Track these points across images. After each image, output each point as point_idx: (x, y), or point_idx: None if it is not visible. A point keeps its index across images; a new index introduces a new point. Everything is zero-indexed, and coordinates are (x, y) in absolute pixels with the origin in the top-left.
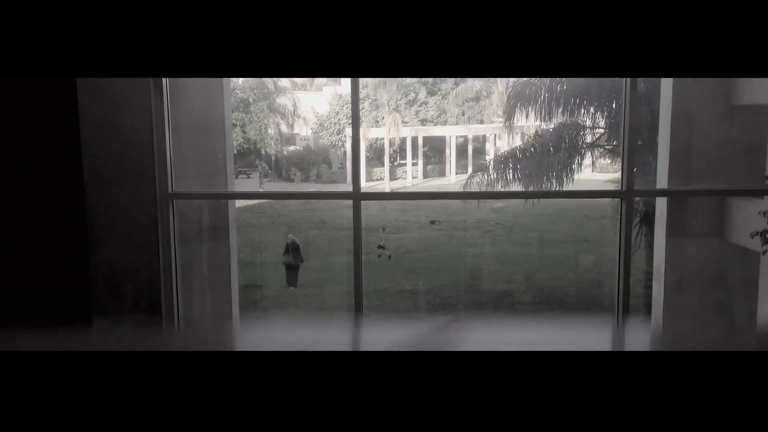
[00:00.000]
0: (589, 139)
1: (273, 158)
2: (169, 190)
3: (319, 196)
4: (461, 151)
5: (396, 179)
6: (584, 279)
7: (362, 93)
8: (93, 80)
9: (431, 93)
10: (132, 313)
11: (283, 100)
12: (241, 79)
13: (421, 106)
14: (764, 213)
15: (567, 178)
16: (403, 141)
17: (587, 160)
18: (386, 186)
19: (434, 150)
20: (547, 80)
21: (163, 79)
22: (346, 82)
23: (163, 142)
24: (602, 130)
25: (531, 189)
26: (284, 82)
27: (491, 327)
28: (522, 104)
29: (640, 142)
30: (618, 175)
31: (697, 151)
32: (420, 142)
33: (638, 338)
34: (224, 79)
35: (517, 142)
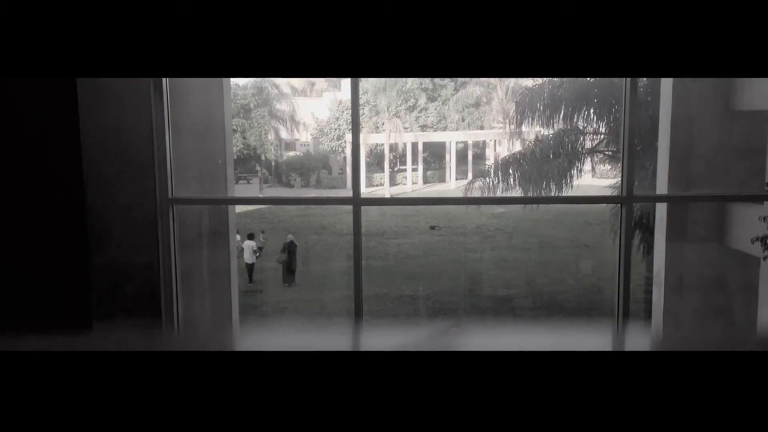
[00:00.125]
0: (588, 144)
1: (273, 164)
2: (170, 195)
3: (319, 201)
4: (461, 156)
5: (396, 185)
6: (584, 284)
7: (362, 99)
8: (93, 85)
9: (431, 99)
10: (132, 317)
11: (283, 106)
12: (241, 85)
13: (421, 111)
14: (764, 218)
15: (567, 183)
16: (404, 146)
17: (587, 166)
18: (386, 191)
19: (434, 155)
20: (548, 86)
21: (164, 82)
22: (346, 88)
23: (164, 147)
24: (602, 136)
25: (531, 194)
26: (284, 87)
27: (491, 332)
28: (528, 111)
29: (639, 148)
30: (618, 180)
31: (697, 157)
32: (420, 147)
33: (638, 343)
34: (224, 84)
35: (517, 147)
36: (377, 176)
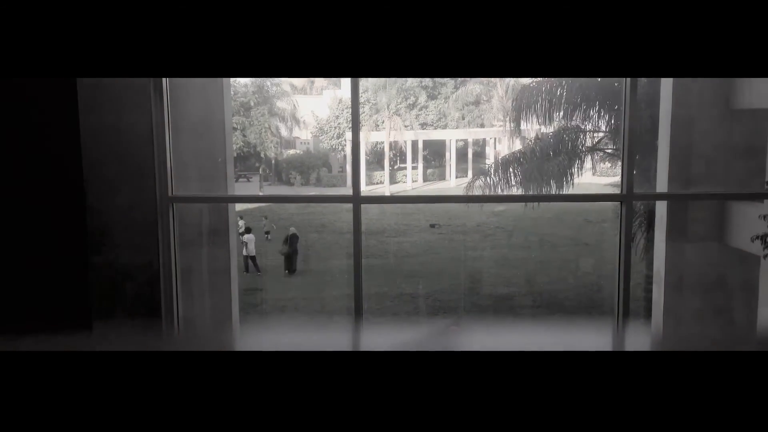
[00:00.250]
0: (589, 143)
1: (273, 162)
2: (169, 194)
3: (319, 199)
4: (461, 154)
5: (396, 183)
6: (584, 282)
7: (362, 97)
8: (93, 83)
9: (431, 97)
10: (132, 315)
11: (283, 104)
12: (241, 83)
13: (421, 109)
14: (764, 217)
15: (567, 181)
16: (404, 144)
17: (587, 164)
18: (386, 189)
19: (434, 153)
20: (547, 84)
21: (164, 82)
22: (346, 86)
23: (164, 146)
24: (602, 134)
25: (531, 192)
26: (284, 86)
27: (491, 331)
28: (528, 109)
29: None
30: (618, 178)
31: (697, 155)
32: (420, 145)
33: (638, 341)
34: (224, 82)
35: (518, 145)
36: (377, 174)
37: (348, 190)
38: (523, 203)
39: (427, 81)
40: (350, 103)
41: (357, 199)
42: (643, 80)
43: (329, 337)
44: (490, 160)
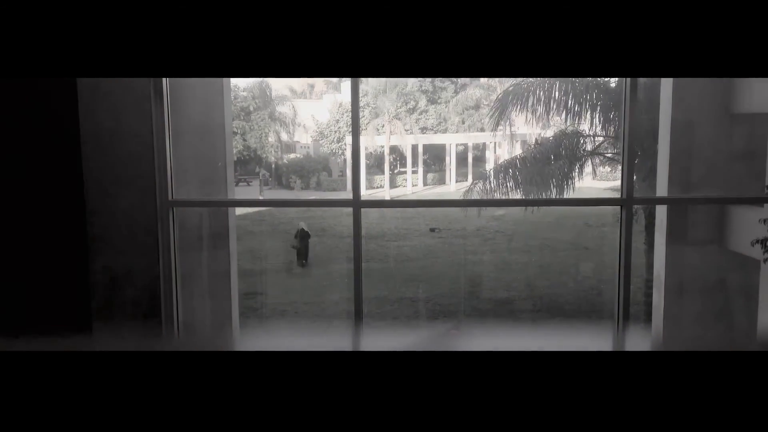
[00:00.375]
0: (589, 147)
1: (273, 166)
2: (169, 198)
3: (319, 203)
4: (461, 159)
5: (396, 187)
6: (584, 286)
7: (362, 101)
8: (93, 86)
9: (431, 101)
10: (132, 319)
11: (283, 109)
12: (241, 87)
13: (421, 114)
14: (764, 221)
15: (567, 186)
16: (403, 149)
17: (587, 168)
18: (386, 194)
19: (434, 158)
20: (543, 86)
21: (164, 86)
22: (346, 90)
23: (164, 150)
24: (602, 138)
25: (531, 197)
26: (284, 90)
27: (491, 334)
28: (518, 109)
29: (639, 153)
30: (618, 182)
31: (696, 159)
32: (420, 150)
33: (638, 345)
34: (225, 86)
35: (518, 150)
36: (377, 178)
37: (348, 194)
38: (523, 207)
39: (427, 85)
40: (350, 107)
41: (357, 203)
42: (642, 83)
43: (329, 340)
44: (490, 165)
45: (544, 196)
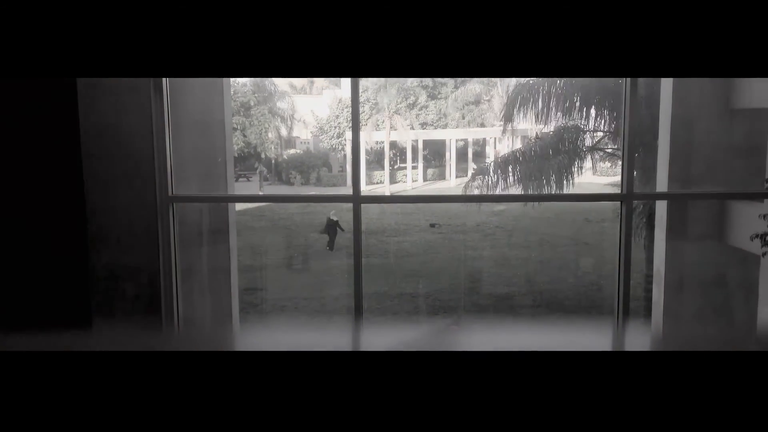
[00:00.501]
0: (589, 142)
1: (273, 162)
2: (169, 193)
3: (319, 199)
4: (461, 154)
5: (396, 182)
6: (584, 282)
7: (362, 97)
8: (93, 83)
9: (432, 96)
10: (132, 315)
11: (283, 104)
12: (241, 83)
13: (421, 109)
14: (764, 216)
15: (567, 181)
16: (404, 144)
17: (587, 163)
18: (386, 189)
19: (434, 153)
20: (545, 83)
21: (164, 82)
22: (346, 85)
23: (164, 145)
24: (602, 134)
25: (531, 192)
26: (284, 86)
27: (491, 330)
28: (522, 107)
29: (640, 149)
30: (618, 178)
31: (697, 155)
32: (420, 145)
33: (638, 341)
34: (224, 82)
35: (517, 145)
36: (377, 174)
37: (348, 190)
38: (523, 203)
39: (427, 81)
40: (350, 102)
41: (357, 199)
42: (642, 80)
43: (329, 336)
44: (490, 160)
45: (546, 190)
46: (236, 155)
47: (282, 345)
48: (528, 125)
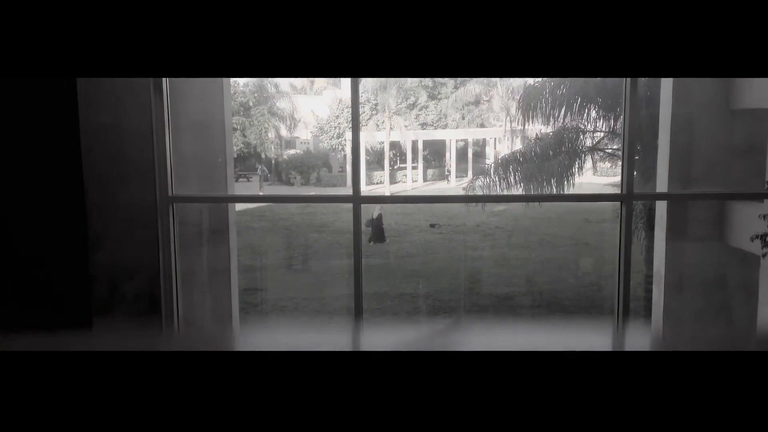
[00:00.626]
0: (589, 142)
1: (273, 162)
2: (169, 193)
3: (319, 199)
4: (461, 154)
5: (396, 183)
6: (584, 282)
7: (362, 97)
8: (93, 83)
9: (432, 97)
10: (132, 315)
11: (283, 104)
12: (241, 83)
13: (421, 110)
14: (764, 216)
15: (567, 181)
16: (404, 144)
17: (588, 164)
18: (386, 189)
19: (434, 154)
20: (550, 84)
21: (164, 82)
22: (346, 86)
23: (164, 145)
24: (602, 134)
25: (531, 192)
26: (284, 86)
27: (491, 330)
28: (534, 109)
29: (639, 148)
30: (618, 178)
31: (697, 155)
32: (420, 145)
33: (638, 341)
34: (224, 82)
35: (518, 145)
36: (377, 174)
37: (348, 190)
38: (524, 203)
39: (427, 81)
40: (350, 102)
41: (357, 199)
42: (642, 80)
43: (329, 336)
44: (490, 160)
45: (547, 191)
46: (236, 155)
47: (282, 345)
48: (539, 126)
